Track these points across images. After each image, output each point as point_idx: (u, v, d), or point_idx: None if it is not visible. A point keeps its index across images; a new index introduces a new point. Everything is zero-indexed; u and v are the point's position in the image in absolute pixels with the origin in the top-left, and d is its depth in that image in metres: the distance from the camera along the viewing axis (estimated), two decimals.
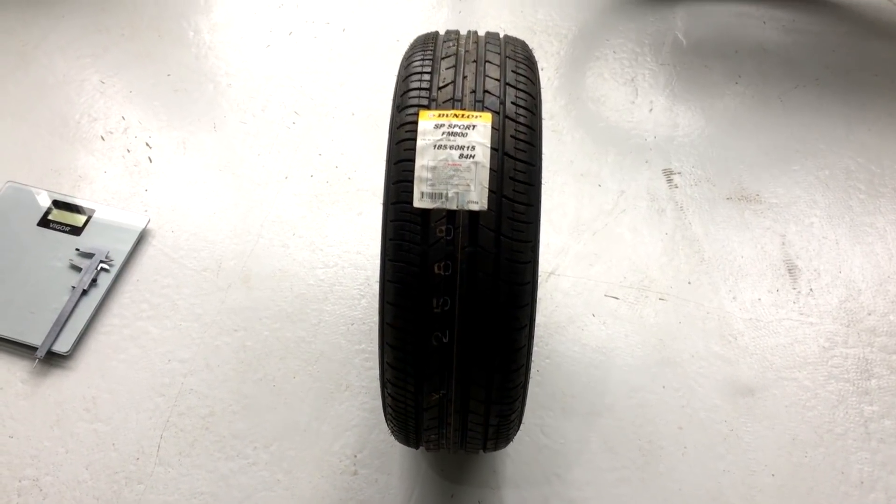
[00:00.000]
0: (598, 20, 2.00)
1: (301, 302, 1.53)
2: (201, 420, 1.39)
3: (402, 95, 1.01)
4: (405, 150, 0.96)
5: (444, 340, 0.97)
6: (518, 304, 0.96)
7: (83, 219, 1.60)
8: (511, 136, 0.96)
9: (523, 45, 1.11)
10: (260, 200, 1.66)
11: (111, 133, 1.76)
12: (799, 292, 1.54)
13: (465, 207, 0.93)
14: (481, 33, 1.16)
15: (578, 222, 1.63)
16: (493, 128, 0.96)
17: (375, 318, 1.50)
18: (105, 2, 2.01)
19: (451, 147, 0.95)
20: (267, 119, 1.80)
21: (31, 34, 1.94)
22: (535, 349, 1.45)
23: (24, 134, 1.76)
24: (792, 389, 1.43)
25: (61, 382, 1.43)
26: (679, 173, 1.71)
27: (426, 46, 1.07)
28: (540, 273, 1.55)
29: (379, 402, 1.39)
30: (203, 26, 1.98)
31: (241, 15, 2.01)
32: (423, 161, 0.95)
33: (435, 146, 0.95)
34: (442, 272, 0.94)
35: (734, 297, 1.53)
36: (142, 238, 1.60)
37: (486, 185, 0.94)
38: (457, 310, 0.96)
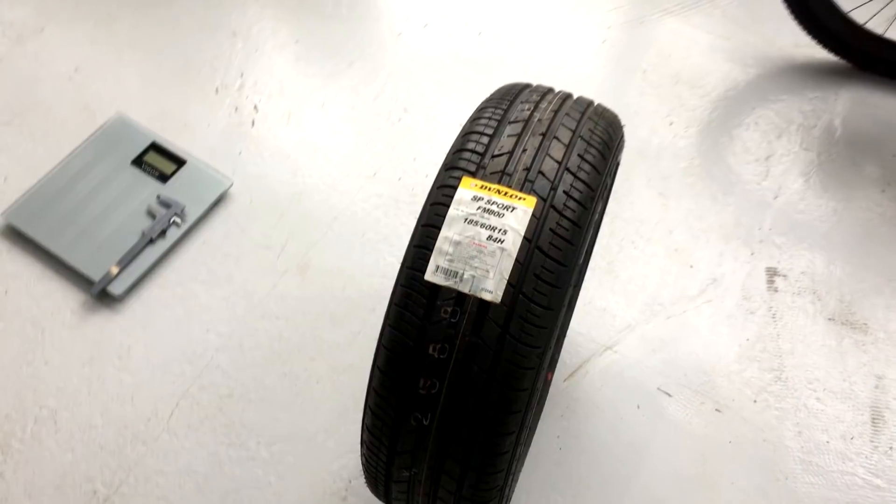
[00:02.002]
0: (750, 83, 1.82)
1: (348, 306, 1.50)
2: (218, 399, 1.40)
3: (454, 153, 0.93)
4: (436, 214, 0.89)
5: (424, 423, 0.90)
6: (509, 409, 0.88)
7: (173, 167, 1.63)
8: (550, 230, 0.87)
9: (608, 125, 1.00)
10: (343, 191, 1.63)
11: (226, 87, 1.78)
12: (876, 448, 1.35)
13: (478, 294, 0.86)
14: (574, 97, 1.06)
15: (655, 301, 1.50)
16: (533, 215, 0.87)
17: None
18: None
19: (483, 225, 0.87)
20: (375, 110, 1.76)
21: None
22: (564, 424, 1.36)
23: (147, 69, 1.80)
24: None
25: (105, 323, 1.47)
26: (784, 276, 1.54)
27: (500, 103, 0.99)
28: (595, 345, 1.45)
29: None
30: (343, 0, 1.95)
31: None
32: (449, 233, 0.87)
33: (466, 220, 0.87)
34: (436, 354, 0.87)
35: (799, 432, 1.37)
36: (220, 200, 1.61)
37: (506, 277, 0.85)
38: (443, 396, 0.89)
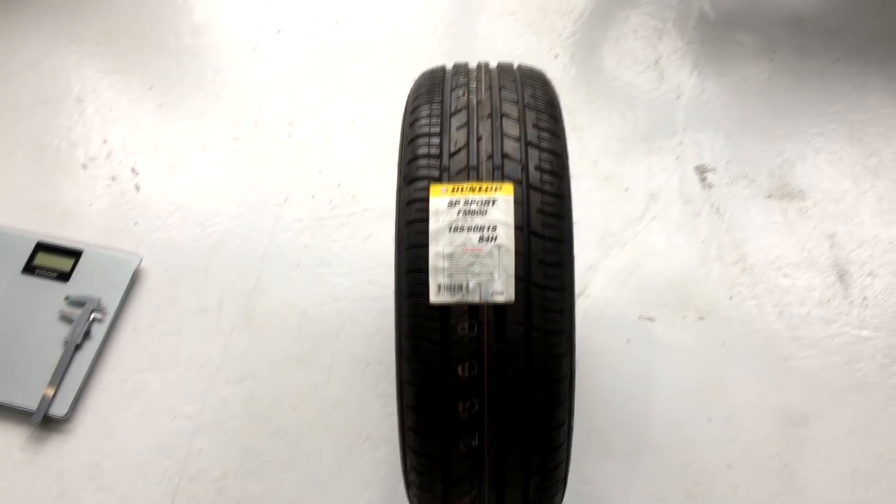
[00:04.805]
0: None
1: (311, 342, 1.42)
2: (213, 484, 1.30)
3: (408, 164, 0.87)
4: (417, 232, 0.83)
5: (474, 444, 0.86)
6: (555, 401, 0.84)
7: (70, 262, 1.48)
8: (537, 211, 0.83)
9: (543, 84, 0.96)
10: (259, 228, 1.53)
11: (93, 160, 1.63)
12: (852, 302, 1.41)
13: (490, 300, 0.81)
14: (493, 65, 1.01)
15: (606, 233, 1.49)
16: (515, 201, 0.83)
17: (392, 356, 1.39)
18: (76, 7, 1.85)
19: (469, 229, 0.82)
20: (260, 133, 1.65)
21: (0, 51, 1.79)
22: None
23: (1, 166, 1.62)
24: (849, 415, 1.31)
25: (61, 448, 1.34)
26: (713, 170, 1.56)
27: (432, 97, 0.93)
28: None
29: None
30: (184, 29, 1.81)
31: (224, 13, 1.85)
32: (438, 247, 0.82)
33: (451, 228, 0.82)
34: (467, 373, 0.82)
35: (781, 313, 1.40)
36: (135, 279, 1.48)
37: (512, 273, 0.81)
38: (486, 412, 0.84)
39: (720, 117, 1.63)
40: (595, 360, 1.37)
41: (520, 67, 1.00)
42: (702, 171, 1.56)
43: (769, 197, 1.52)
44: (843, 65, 1.69)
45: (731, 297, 1.42)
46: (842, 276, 1.43)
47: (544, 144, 0.87)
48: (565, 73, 1.70)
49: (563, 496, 0.97)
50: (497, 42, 1.77)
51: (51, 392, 1.35)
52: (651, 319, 1.40)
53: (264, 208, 1.56)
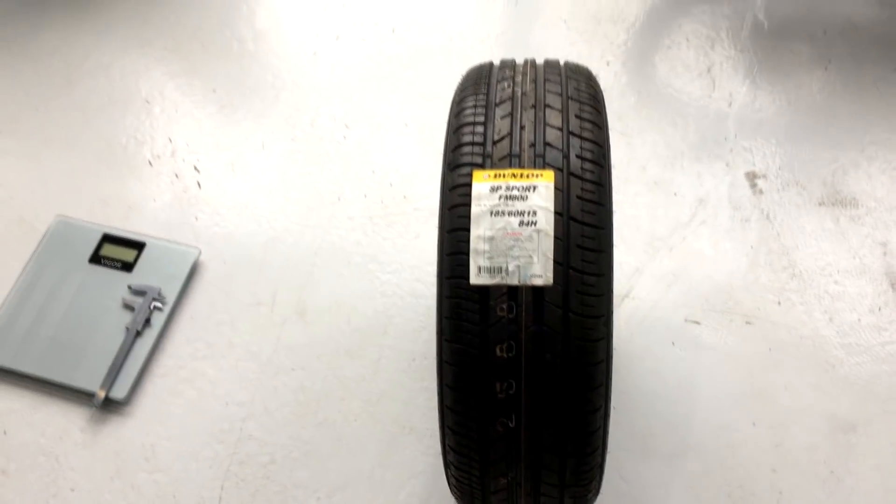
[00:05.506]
0: (668, 2, 1.83)
1: (360, 336, 1.45)
2: (262, 469, 1.34)
3: (453, 151, 0.90)
4: (459, 216, 0.86)
5: (511, 425, 0.87)
6: (591, 385, 0.86)
7: (134, 253, 1.55)
8: (577, 197, 0.85)
9: (587, 79, 0.98)
10: (313, 225, 1.58)
11: (158, 157, 1.70)
12: None
13: (528, 283, 0.83)
14: (540, 61, 1.04)
15: (653, 237, 1.50)
16: (556, 188, 0.85)
17: None
18: (147, 13, 1.94)
19: (510, 213, 0.84)
20: (317, 134, 1.71)
21: (74, 53, 1.88)
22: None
23: (72, 162, 1.71)
24: None
25: (119, 430, 1.40)
26: (764, 177, 1.55)
27: (478, 88, 0.96)
28: (614, 298, 1.44)
29: None
30: (247, 35, 1.89)
31: (285, 19, 1.92)
32: (479, 231, 0.84)
33: (492, 213, 0.85)
34: (505, 354, 0.85)
35: (830, 319, 1.39)
36: (194, 271, 1.54)
37: (551, 257, 0.83)
38: (523, 394, 0.86)
39: (772, 125, 1.63)
40: (639, 362, 1.38)
41: (566, 63, 1.03)
42: (752, 177, 1.55)
43: (821, 204, 1.51)
44: None
45: (779, 303, 1.41)
46: (894, 283, 1.41)
47: (586, 134, 0.89)
48: (616, 79, 1.72)
49: (599, 483, 0.98)
50: (549, 50, 1.79)
51: (112, 376, 1.41)
52: (697, 323, 1.40)
53: (319, 206, 1.61)
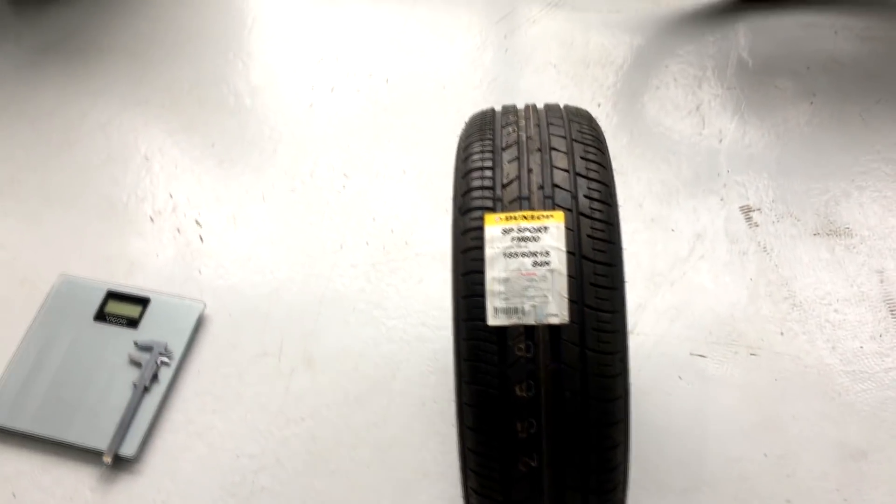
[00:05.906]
0: (654, 45, 1.88)
1: (368, 383, 1.46)
2: None
3: (463, 196, 0.92)
4: (473, 259, 0.88)
5: (533, 465, 0.88)
6: (610, 421, 0.87)
7: (139, 309, 1.56)
8: (588, 236, 0.87)
9: (589, 120, 1.01)
10: (316, 274, 1.60)
11: (160, 213, 1.72)
12: None
13: (545, 321, 0.85)
14: (540, 106, 1.07)
15: (654, 273, 1.52)
16: (566, 228, 0.87)
17: (447, 395, 1.42)
18: (142, 72, 1.97)
19: (524, 254, 0.86)
20: (316, 185, 1.73)
21: (71, 113, 1.91)
22: None
23: (73, 221, 1.72)
24: None
25: (131, 488, 1.38)
26: (758, 210, 1.59)
27: (483, 134, 0.99)
28: None
29: (460, 490, 1.31)
30: (243, 90, 1.92)
31: (280, 74, 1.95)
32: (494, 273, 0.86)
33: (505, 254, 0.86)
34: (525, 393, 0.86)
35: (833, 347, 1.40)
36: (199, 325, 1.55)
37: (566, 295, 0.85)
38: (544, 432, 0.87)
39: (763, 159, 1.66)
40: (647, 397, 1.39)
41: (566, 106, 1.06)
42: (747, 210, 1.58)
43: (816, 234, 1.54)
44: (884, 105, 1.71)
45: (781, 333, 1.43)
46: (893, 310, 1.43)
47: (592, 175, 0.91)
48: (608, 120, 1.76)
49: None
50: (540, 94, 1.84)
51: (120, 433, 1.41)
52: (702, 356, 1.42)
53: (321, 255, 1.62)
